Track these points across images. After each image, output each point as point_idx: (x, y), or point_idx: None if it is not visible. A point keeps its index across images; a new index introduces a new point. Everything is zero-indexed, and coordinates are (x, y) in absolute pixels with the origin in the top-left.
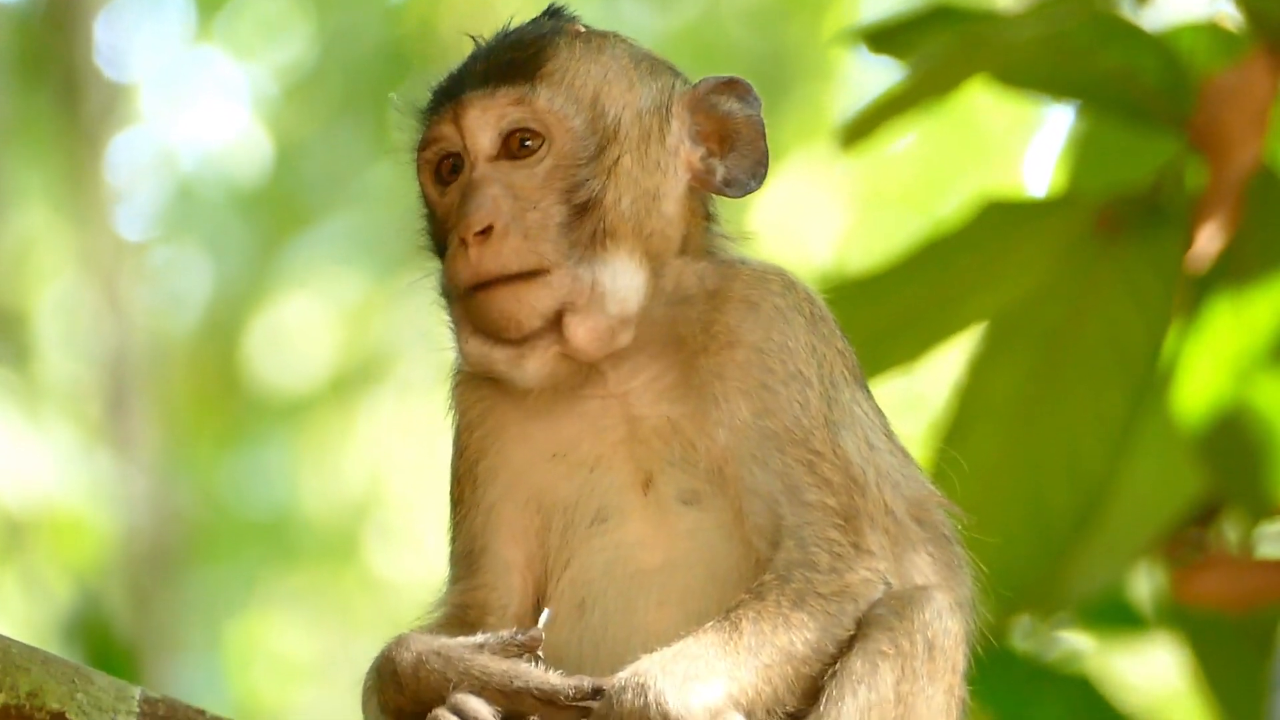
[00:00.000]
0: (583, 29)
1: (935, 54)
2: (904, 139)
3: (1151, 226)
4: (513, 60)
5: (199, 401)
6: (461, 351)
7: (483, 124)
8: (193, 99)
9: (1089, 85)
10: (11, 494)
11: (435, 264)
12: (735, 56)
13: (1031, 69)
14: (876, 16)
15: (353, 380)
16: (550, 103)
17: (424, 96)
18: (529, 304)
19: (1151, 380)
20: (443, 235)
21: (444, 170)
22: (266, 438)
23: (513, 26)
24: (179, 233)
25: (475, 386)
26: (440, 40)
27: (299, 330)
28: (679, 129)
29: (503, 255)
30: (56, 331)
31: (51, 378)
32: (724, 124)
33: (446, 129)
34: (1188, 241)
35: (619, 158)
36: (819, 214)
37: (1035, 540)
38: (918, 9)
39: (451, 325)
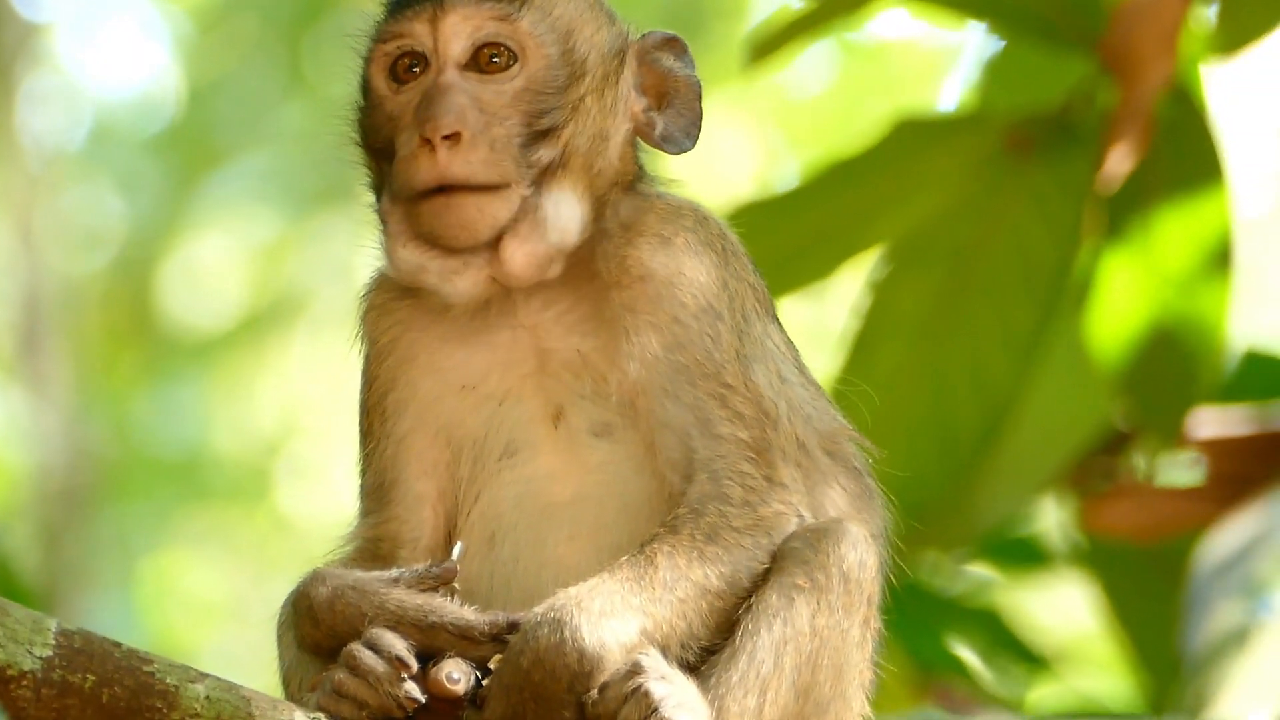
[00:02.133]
0: None
1: None
2: (822, 76)
3: (1062, 146)
4: None
5: (112, 339)
6: (393, 257)
7: (461, 30)
8: (107, 38)
9: (1001, 5)
10: None
11: (364, 161)
12: (650, 1)
13: None
14: None
15: (265, 319)
16: (533, 26)
17: None
18: (489, 214)
19: (1059, 300)
20: (386, 134)
21: (400, 68)
22: (179, 376)
23: None
24: (92, 171)
25: (385, 313)
26: None
27: (212, 269)
28: (628, 78)
29: (473, 163)
30: None
31: None
32: (664, 80)
33: (419, 27)
34: (1098, 161)
35: (584, 95)
36: (736, 151)
37: (941, 459)
38: None
39: (384, 230)
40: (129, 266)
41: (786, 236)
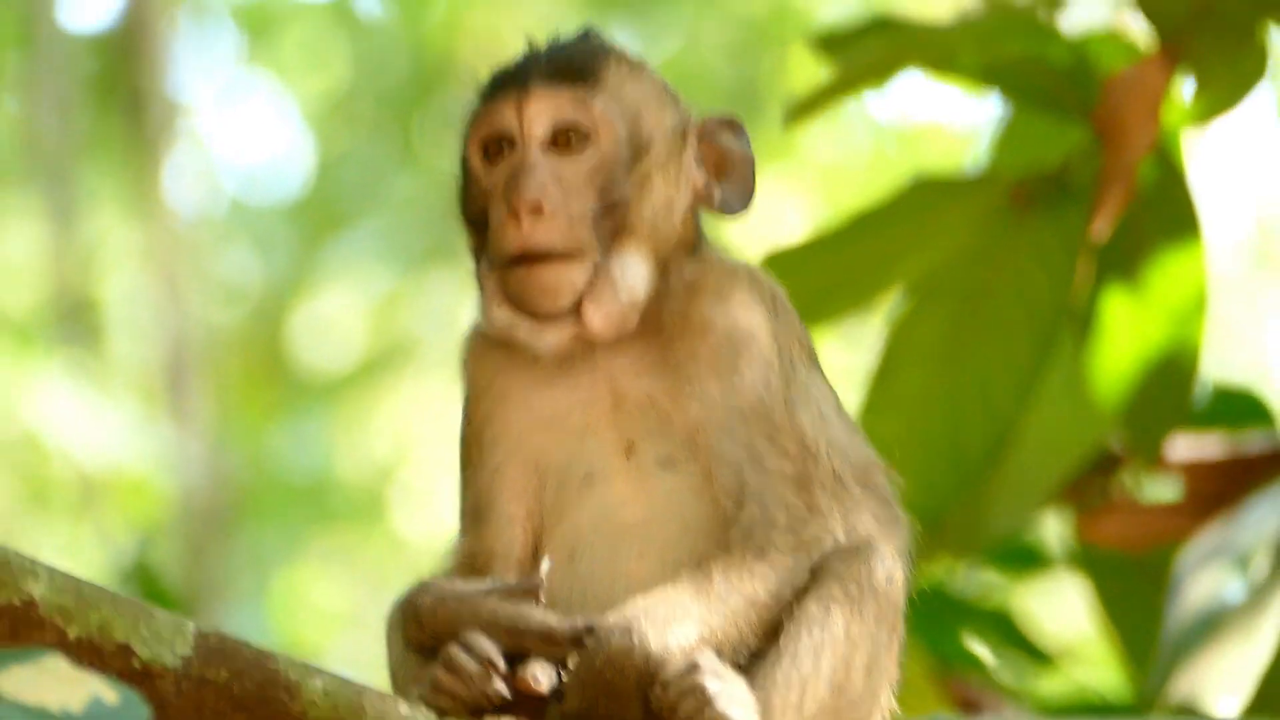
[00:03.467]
0: (625, 52)
1: (871, 46)
2: (859, 154)
3: (1059, 202)
4: (575, 65)
5: (248, 380)
6: (488, 316)
7: (543, 114)
8: (243, 116)
9: (1009, 78)
10: (85, 459)
11: (468, 229)
12: (713, 85)
13: (958, 63)
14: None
15: (381, 362)
16: (605, 109)
17: (484, 80)
18: (568, 282)
19: (1057, 335)
20: (481, 206)
21: (491, 149)
22: (306, 412)
23: (562, 37)
24: (232, 233)
25: (483, 359)
26: (459, 67)
27: (335, 319)
28: (691, 154)
29: (552, 233)
30: (124, 318)
31: (120, 358)
32: (723, 155)
33: (507, 111)
34: (1090, 215)
35: (650, 171)
36: (786, 217)
37: (953, 475)
38: (863, 19)
39: (481, 291)
40: (263, 316)
41: (815, 278)
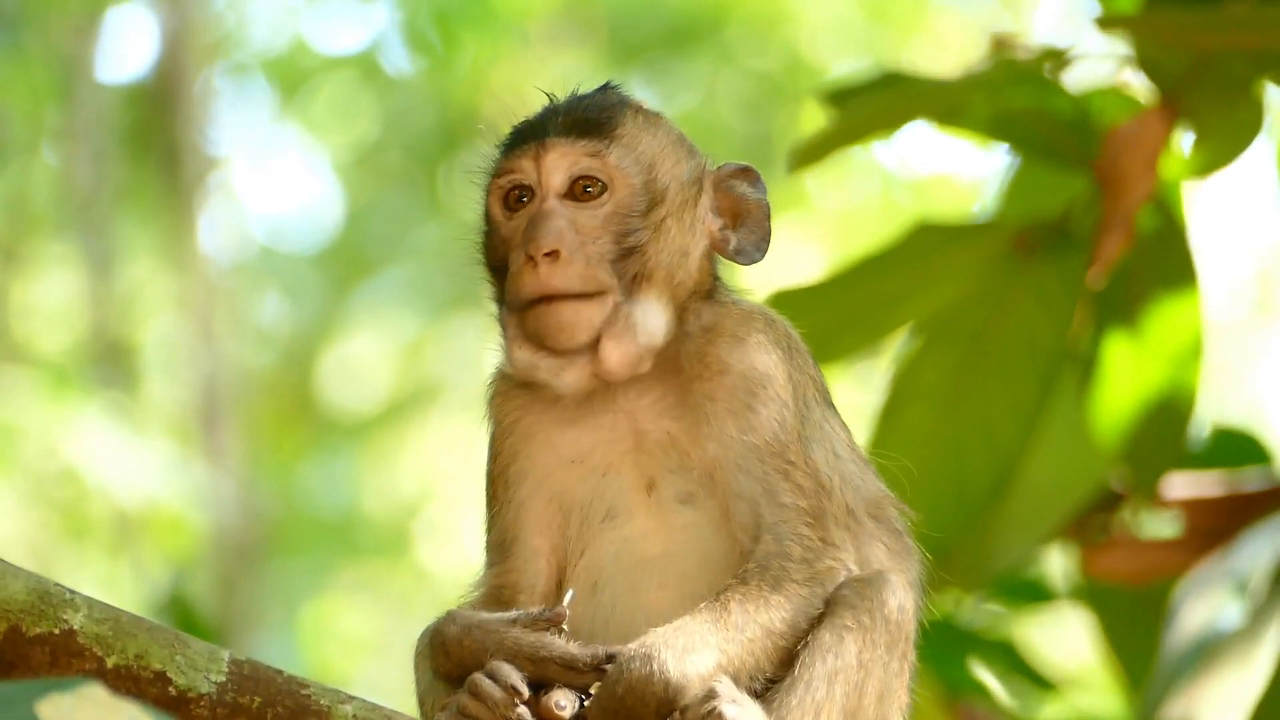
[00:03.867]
0: (643, 105)
1: (879, 99)
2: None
3: (1060, 248)
4: (591, 119)
5: (278, 420)
6: (510, 357)
7: (560, 165)
8: (274, 167)
9: (1014, 130)
10: (122, 495)
11: (486, 276)
12: (729, 138)
13: (964, 115)
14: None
15: (407, 404)
16: (620, 160)
17: (506, 134)
18: (585, 318)
19: (1059, 375)
20: (502, 253)
21: (511, 199)
22: (335, 451)
23: (582, 92)
24: (263, 280)
25: (508, 399)
26: (483, 120)
27: (363, 362)
28: (706, 202)
29: (569, 275)
30: (160, 361)
31: (155, 399)
32: (738, 203)
33: (526, 163)
34: (1090, 261)
35: (665, 218)
36: (799, 265)
37: (959, 511)
38: (872, 73)
39: (503, 334)
40: (293, 359)
41: (824, 318)
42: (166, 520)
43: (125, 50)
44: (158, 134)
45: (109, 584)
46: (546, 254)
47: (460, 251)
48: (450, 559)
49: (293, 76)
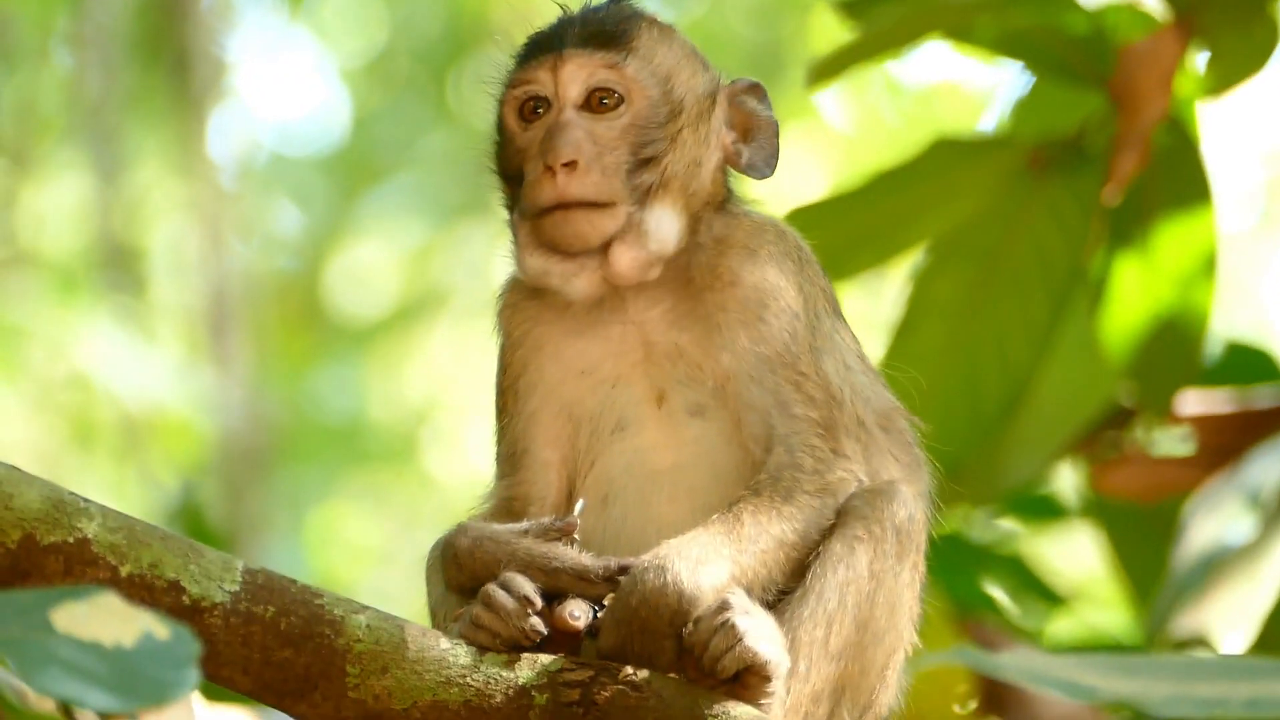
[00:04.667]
0: (657, 18)
1: (893, 13)
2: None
3: (1075, 165)
4: (608, 31)
5: (286, 327)
6: (522, 263)
7: (577, 77)
8: (283, 74)
9: (1029, 47)
10: (130, 401)
11: (499, 185)
12: (737, 46)
13: (980, 31)
14: None
15: (414, 311)
16: (637, 72)
17: (520, 44)
18: (599, 226)
19: (1071, 293)
20: (516, 163)
21: (526, 110)
22: (342, 358)
23: (597, 4)
24: (272, 186)
25: (518, 311)
26: (491, 27)
27: (371, 268)
28: (719, 115)
29: (586, 185)
30: (168, 266)
31: (164, 304)
32: (749, 119)
33: (542, 74)
34: (1104, 178)
35: (681, 129)
36: (807, 172)
37: (972, 427)
38: None
39: (514, 241)
40: (302, 266)
41: (839, 234)
42: (174, 426)
43: None
44: (167, 40)
45: (115, 489)
46: (565, 164)
47: (469, 158)
48: (457, 467)
49: None
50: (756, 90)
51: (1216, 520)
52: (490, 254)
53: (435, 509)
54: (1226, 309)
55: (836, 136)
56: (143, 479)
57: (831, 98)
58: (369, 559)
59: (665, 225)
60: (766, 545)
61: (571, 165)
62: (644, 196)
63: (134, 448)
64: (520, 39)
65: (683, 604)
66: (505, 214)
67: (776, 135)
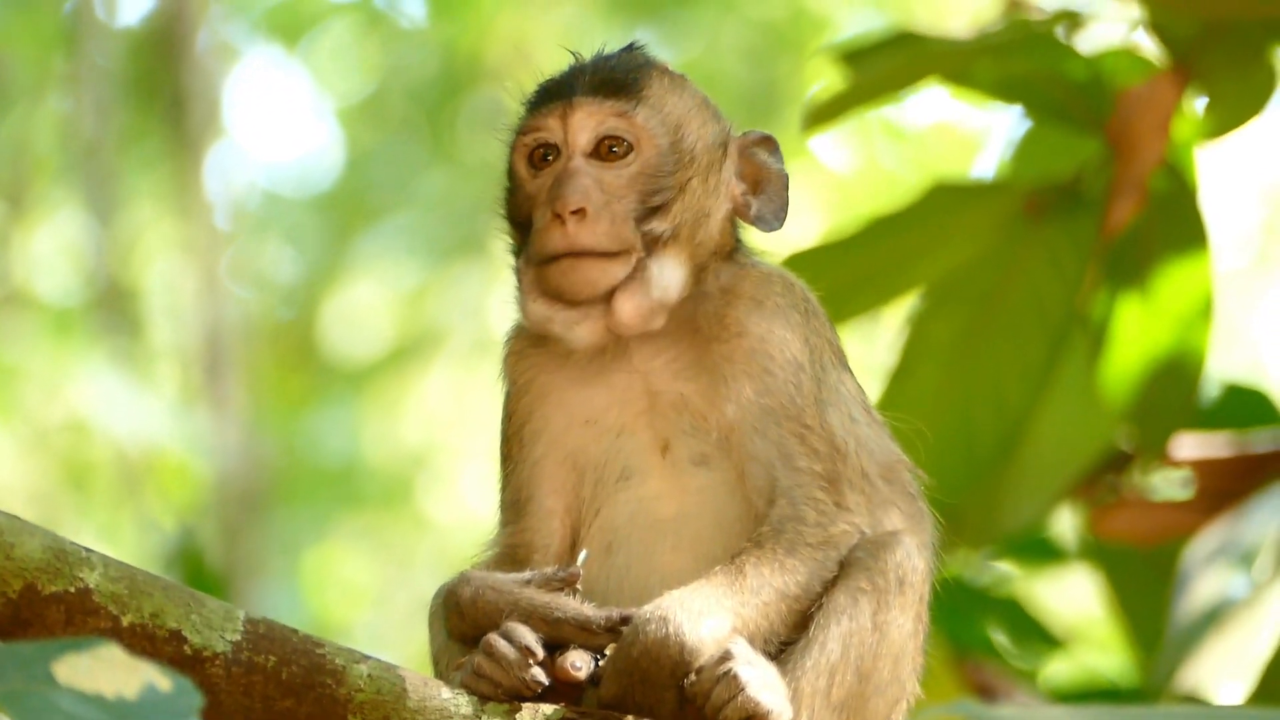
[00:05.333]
0: (668, 67)
1: (891, 59)
2: (871, 155)
3: (1071, 210)
4: (618, 79)
5: (282, 368)
6: (525, 309)
7: (586, 125)
8: (278, 115)
9: (1027, 92)
10: (126, 443)
11: (510, 230)
12: (732, 87)
13: (978, 77)
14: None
15: (409, 352)
16: (647, 121)
17: (531, 92)
18: (606, 274)
19: (1068, 337)
20: (525, 210)
21: (536, 157)
22: (337, 399)
23: (607, 51)
24: (267, 226)
25: (523, 358)
26: (486, 68)
27: (365, 309)
28: (730, 166)
29: (595, 234)
30: (164, 307)
31: (159, 346)
32: (759, 171)
33: (552, 122)
34: (1101, 223)
35: (690, 179)
36: (802, 215)
37: (969, 472)
38: (884, 32)
39: (520, 288)
40: (297, 306)
41: (836, 278)
42: (169, 468)
43: None
44: (162, 81)
45: (110, 531)
46: (574, 212)
47: (464, 199)
48: (452, 509)
49: (297, 23)
50: (768, 142)
51: (1217, 571)
52: (485, 295)
53: (430, 551)
54: (1221, 350)
55: (832, 178)
56: (138, 521)
57: (826, 139)
58: (364, 601)
59: (670, 274)
60: (768, 598)
61: (580, 213)
62: (651, 245)
63: (129, 490)
64: (527, 85)
65: (684, 655)
66: (512, 260)
67: (787, 188)
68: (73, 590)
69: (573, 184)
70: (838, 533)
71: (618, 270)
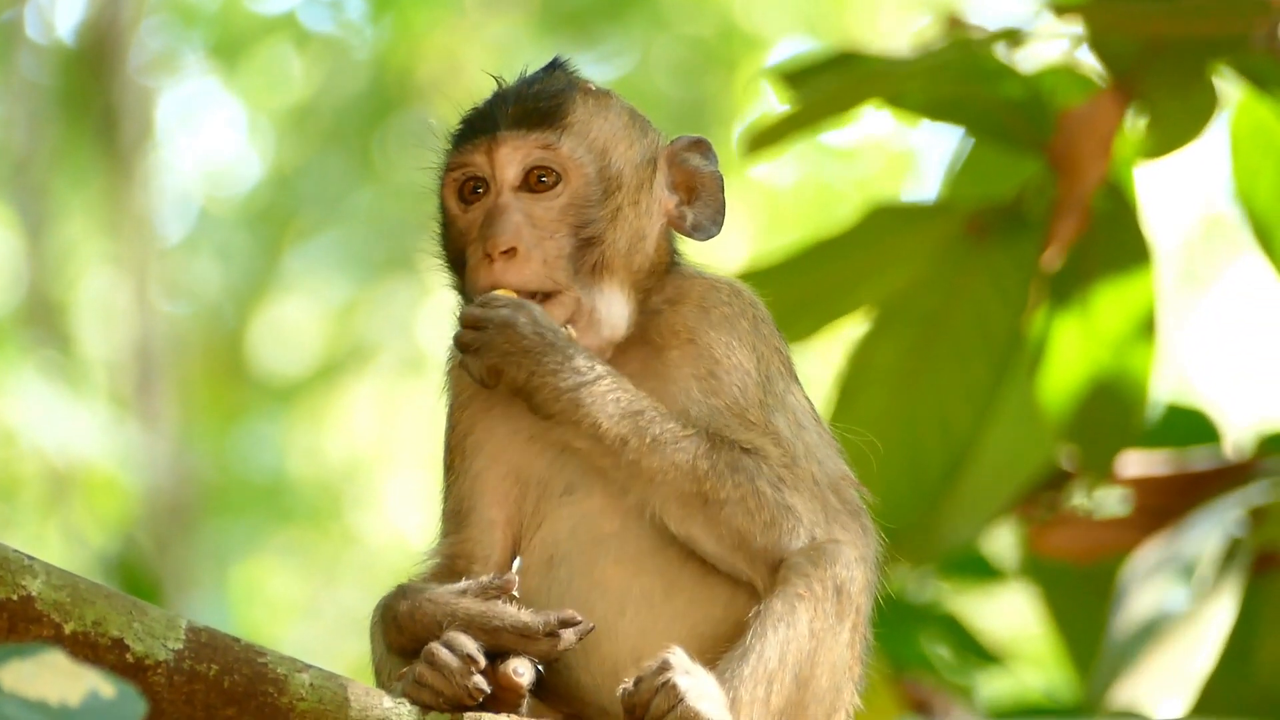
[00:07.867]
0: (592, 86)
1: (832, 80)
2: (802, 171)
3: (1014, 231)
4: (542, 108)
5: (211, 383)
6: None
7: (512, 159)
8: (208, 131)
9: (967, 113)
10: (55, 456)
11: (443, 265)
12: (662, 103)
13: (918, 98)
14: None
15: (338, 367)
16: (572, 151)
17: (455, 126)
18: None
19: (1011, 357)
20: (459, 245)
21: (466, 190)
22: (266, 414)
23: (529, 74)
24: (196, 243)
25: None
26: (415, 87)
27: (295, 325)
28: (661, 180)
29: (525, 274)
30: (93, 321)
31: (90, 359)
32: (692, 177)
33: (478, 157)
34: (1043, 244)
35: (620, 206)
36: (734, 230)
37: (912, 490)
38: (825, 52)
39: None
40: (226, 322)
41: (778, 301)
42: (99, 481)
43: (60, 11)
44: (94, 95)
45: (38, 544)
46: (504, 252)
47: (393, 215)
48: (380, 524)
49: (229, 39)
50: (700, 145)
51: (1155, 585)
52: (414, 312)
53: (358, 565)
54: (1164, 370)
55: (765, 192)
56: (66, 534)
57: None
58: (293, 614)
59: (615, 307)
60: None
61: (511, 253)
62: (588, 277)
63: (58, 502)
64: (452, 115)
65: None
66: (454, 296)
67: (721, 190)
68: (15, 598)
69: (501, 222)
70: (786, 530)
71: (558, 312)
